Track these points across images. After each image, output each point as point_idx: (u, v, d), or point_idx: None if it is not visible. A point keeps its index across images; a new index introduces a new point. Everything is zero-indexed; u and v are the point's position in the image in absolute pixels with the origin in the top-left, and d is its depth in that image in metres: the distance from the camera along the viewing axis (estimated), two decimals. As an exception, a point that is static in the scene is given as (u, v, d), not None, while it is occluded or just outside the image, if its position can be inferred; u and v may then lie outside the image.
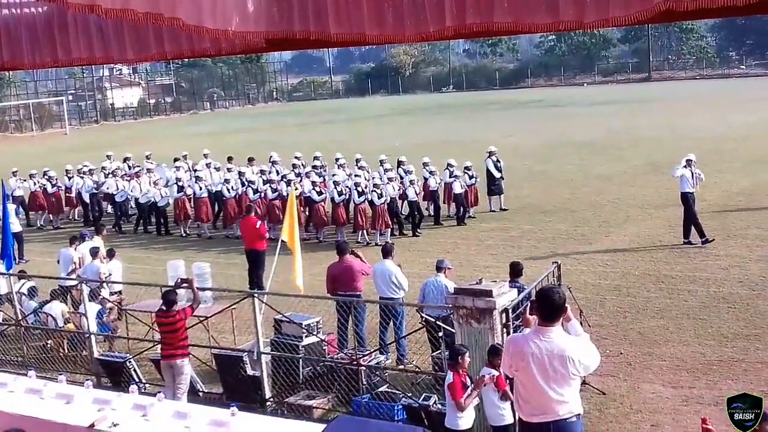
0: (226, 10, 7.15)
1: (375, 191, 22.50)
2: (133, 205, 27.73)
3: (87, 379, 10.74)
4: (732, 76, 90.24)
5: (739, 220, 22.05)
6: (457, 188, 24.22)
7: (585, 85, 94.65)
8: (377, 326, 13.54)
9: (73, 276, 16.63)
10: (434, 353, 12.33)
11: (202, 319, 13.26)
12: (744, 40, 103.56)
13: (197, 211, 25.35)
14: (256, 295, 12.65)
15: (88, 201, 28.27)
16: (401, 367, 12.92)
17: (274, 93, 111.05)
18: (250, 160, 28.03)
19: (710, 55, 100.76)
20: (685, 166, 19.96)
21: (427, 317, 12.01)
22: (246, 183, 24.81)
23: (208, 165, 28.54)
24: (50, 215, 28.80)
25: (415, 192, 23.56)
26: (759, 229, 20.94)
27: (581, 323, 8.80)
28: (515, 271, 12.50)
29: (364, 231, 22.60)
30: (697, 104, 59.85)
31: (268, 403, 12.02)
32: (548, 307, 6.73)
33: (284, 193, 23.30)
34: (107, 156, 31.72)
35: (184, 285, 12.46)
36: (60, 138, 69.06)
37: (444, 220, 24.58)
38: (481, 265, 19.15)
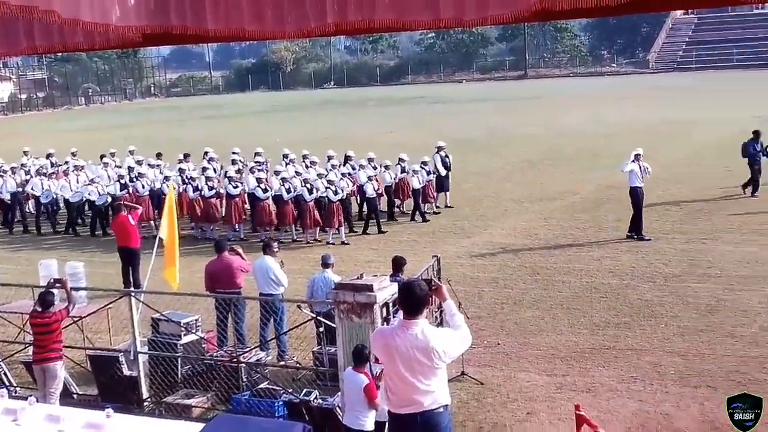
0: (105, 3, 6.99)
1: (330, 188, 21.63)
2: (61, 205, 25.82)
3: (-46, 385, 10.35)
4: (604, 74, 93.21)
5: (610, 213, 22.78)
6: (416, 183, 23.52)
7: (464, 82, 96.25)
8: (257, 323, 13.48)
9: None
10: (315, 348, 12.35)
11: (76, 319, 12.87)
12: (615, 39, 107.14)
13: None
14: (132, 293, 12.40)
15: (9, 201, 25.98)
16: (282, 363, 12.86)
17: (152, 88, 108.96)
18: (186, 156, 26.58)
19: (583, 53, 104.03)
20: (633, 161, 19.93)
21: (309, 314, 12.02)
22: (187, 180, 23.68)
23: (139, 162, 26.63)
24: None
25: (374, 188, 22.75)
26: (627, 221, 21.63)
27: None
28: (397, 265, 12.61)
29: (315, 230, 21.97)
30: (571, 102, 61.58)
31: (145, 404, 11.80)
32: (411, 300, 6.79)
33: (222, 191, 22.99)
34: (24, 152, 29.91)
35: (58, 285, 12.09)
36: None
37: (399, 216, 24.18)
38: (362, 260, 19.26)
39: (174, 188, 19.46)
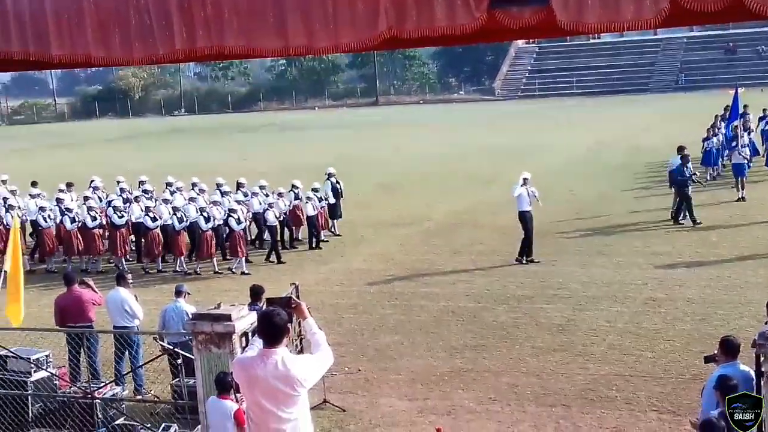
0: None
1: (232, 216, 20.98)
2: None
3: None
4: (452, 100, 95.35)
5: (464, 237, 23.28)
6: (310, 210, 23.14)
7: (316, 108, 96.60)
8: (112, 357, 13.06)
9: None
10: (173, 381, 12.06)
11: None
12: (462, 67, 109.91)
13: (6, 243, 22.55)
14: (-24, 331, 11.82)
15: None
16: (139, 397, 12.52)
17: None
18: (69, 185, 25.18)
19: (432, 81, 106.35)
20: (522, 185, 20.03)
21: (162, 345, 11.73)
22: (64, 211, 22.41)
23: (13, 192, 25.21)
24: None
25: (275, 215, 22.30)
26: (482, 245, 22.22)
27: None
28: (255, 294, 12.48)
29: (213, 260, 21.33)
30: (421, 127, 62.72)
31: (-7, 447, 11.25)
32: (270, 329, 6.72)
33: (110, 221, 21.98)
34: None
35: None
36: None
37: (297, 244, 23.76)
38: (219, 288, 18.98)
39: (18, 218, 18.65)
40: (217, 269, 21.19)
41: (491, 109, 77.95)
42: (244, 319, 9.93)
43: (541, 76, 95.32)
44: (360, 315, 16.75)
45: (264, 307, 8.71)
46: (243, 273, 20.71)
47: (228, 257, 21.64)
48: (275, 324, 6.72)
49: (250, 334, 10.00)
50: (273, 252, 22.04)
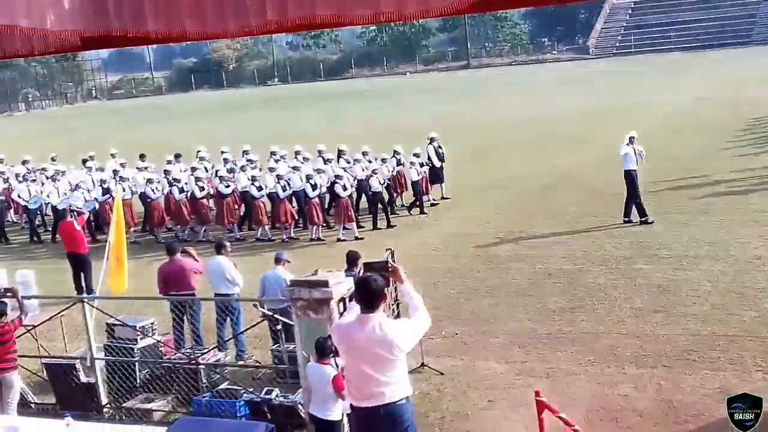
0: (42, 8, 6.88)
1: (338, 183, 21.02)
2: (49, 212, 24.79)
3: None
4: (545, 61, 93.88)
5: (560, 199, 23.04)
6: (414, 175, 23.04)
7: (407, 74, 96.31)
8: (214, 324, 13.41)
9: None
10: (273, 346, 12.32)
11: (29, 328, 12.69)
12: (555, 27, 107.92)
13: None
14: (85, 299, 12.25)
15: None
16: (241, 362, 12.84)
17: (93, 92, 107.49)
18: (177, 156, 25.88)
19: (524, 41, 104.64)
20: (628, 144, 19.76)
21: (263, 311, 11.98)
22: (172, 182, 22.90)
23: (123, 164, 25.89)
24: None
25: (380, 182, 22.16)
26: (577, 206, 21.95)
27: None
28: (351, 260, 12.61)
29: (318, 227, 21.34)
30: (515, 89, 62.02)
31: (105, 410, 11.68)
32: (367, 295, 6.83)
33: (217, 191, 22.32)
34: (23, 161, 28.70)
35: (8, 295, 11.91)
36: None
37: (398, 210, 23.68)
38: (315, 255, 19.23)
39: (120, 192, 19.21)
40: (320, 236, 21.25)
41: (586, 68, 76.48)
42: (341, 285, 10.07)
43: (637, 32, 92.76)
44: (456, 279, 16.77)
45: (361, 272, 8.82)
46: (356, 238, 20.61)
47: (332, 225, 21.77)
48: (372, 290, 6.83)
49: (347, 299, 10.15)
50: (381, 216, 21.90)
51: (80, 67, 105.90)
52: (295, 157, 24.10)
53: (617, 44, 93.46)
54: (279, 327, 11.83)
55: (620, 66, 74.20)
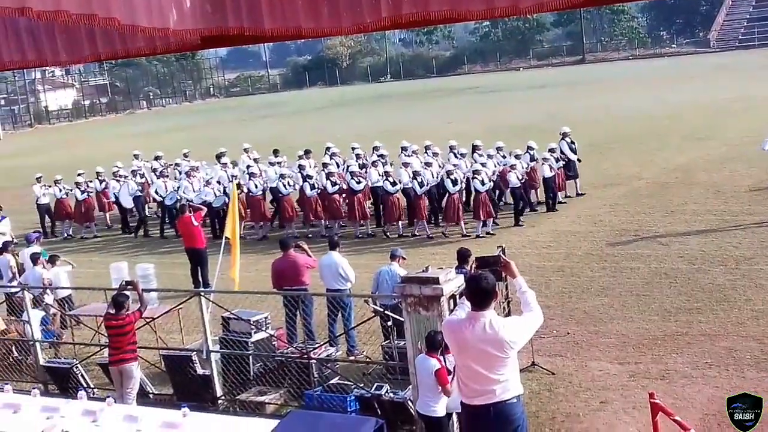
0: (162, 8, 7.09)
1: (476, 178, 20.65)
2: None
3: (33, 387, 10.58)
4: (664, 55, 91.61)
5: (677, 197, 22.43)
6: (547, 172, 22.48)
7: (521, 69, 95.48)
8: (326, 319, 13.56)
9: (14, 283, 16.28)
10: (384, 342, 12.38)
11: (148, 320, 13.09)
12: (674, 20, 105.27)
13: (252, 211, 23.37)
14: (202, 293, 12.55)
15: (129, 206, 25.89)
16: (352, 358, 12.94)
17: (211, 89, 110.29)
18: (307, 152, 25.94)
19: (642, 35, 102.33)
20: None
21: (375, 307, 12.04)
22: (304, 177, 22.90)
23: (256, 160, 26.28)
24: (85, 224, 26.14)
25: (517, 178, 21.64)
26: (696, 204, 21.33)
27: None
28: (462, 257, 12.58)
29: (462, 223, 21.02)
30: (632, 84, 60.72)
31: (219, 402, 11.95)
32: (478, 293, 6.80)
33: (348, 187, 22.29)
34: (134, 156, 29.79)
35: (129, 287, 12.30)
36: (-7, 144, 67.74)
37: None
38: (426, 252, 19.24)
39: (236, 188, 19.57)
40: (464, 232, 20.93)
41: (706, 62, 74.25)
42: (452, 282, 10.03)
43: (761, 24, 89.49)
44: (567, 277, 16.52)
45: (473, 267, 8.77)
46: (488, 234, 20.47)
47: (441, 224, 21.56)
48: (483, 288, 6.79)
49: (457, 296, 10.11)
50: (519, 214, 21.61)
51: (199, 66, 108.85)
52: (426, 152, 23.97)
53: (740, 37, 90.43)
54: (390, 323, 11.88)
55: (743, 59, 71.76)
